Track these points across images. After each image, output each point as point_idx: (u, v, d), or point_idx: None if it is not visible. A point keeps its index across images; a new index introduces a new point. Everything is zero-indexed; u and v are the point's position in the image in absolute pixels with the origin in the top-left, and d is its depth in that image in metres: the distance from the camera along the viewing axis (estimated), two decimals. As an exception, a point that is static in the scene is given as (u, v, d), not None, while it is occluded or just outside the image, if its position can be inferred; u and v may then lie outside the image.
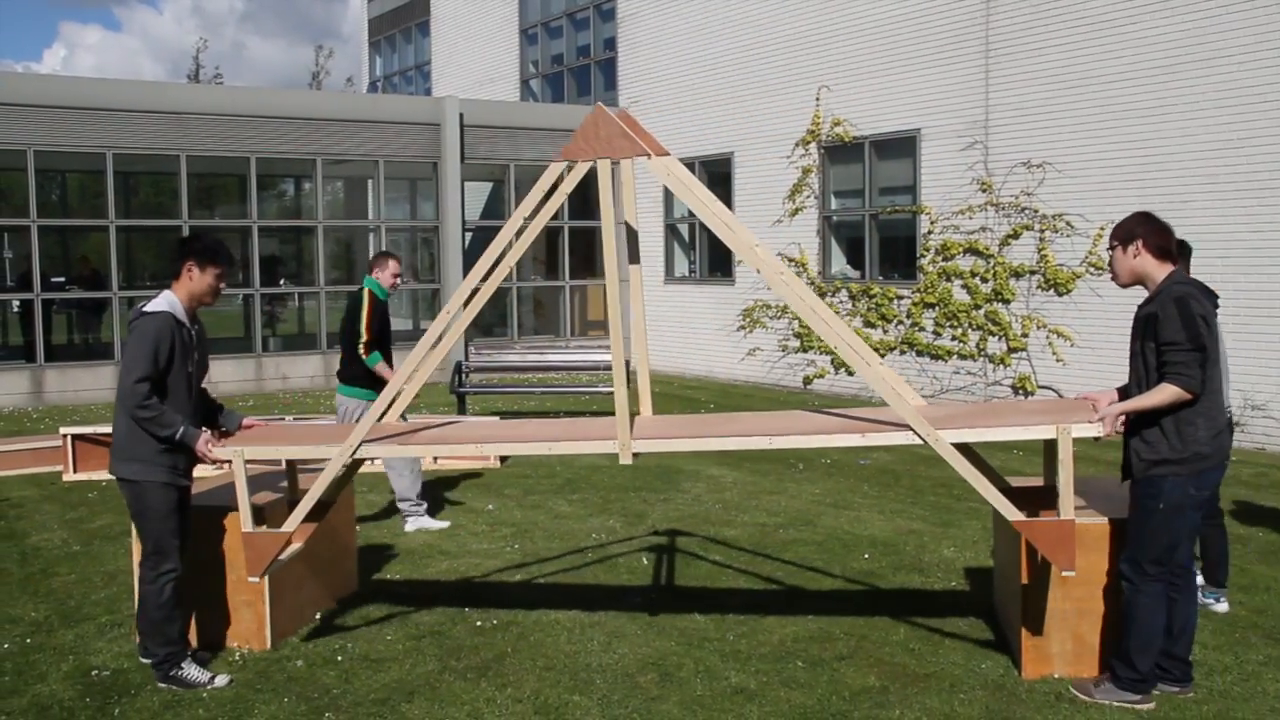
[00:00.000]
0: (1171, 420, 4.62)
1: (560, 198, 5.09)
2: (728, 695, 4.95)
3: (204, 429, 5.23)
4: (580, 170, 4.97)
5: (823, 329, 5.12)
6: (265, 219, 19.03)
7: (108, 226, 15.81)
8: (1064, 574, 4.82)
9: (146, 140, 15.79)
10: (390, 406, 5.29)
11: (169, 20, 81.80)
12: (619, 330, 5.11)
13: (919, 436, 4.79)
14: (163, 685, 5.10)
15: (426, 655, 5.47)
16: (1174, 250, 4.81)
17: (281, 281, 20.08)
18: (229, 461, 5.21)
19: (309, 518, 5.44)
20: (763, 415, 5.89)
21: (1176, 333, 4.57)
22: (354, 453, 5.22)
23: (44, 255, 15.62)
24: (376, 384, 7.36)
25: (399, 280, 7.89)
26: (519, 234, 5.18)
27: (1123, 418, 4.73)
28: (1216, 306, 4.85)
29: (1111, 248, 4.91)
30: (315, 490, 5.32)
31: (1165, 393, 4.59)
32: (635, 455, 5.07)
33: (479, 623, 5.92)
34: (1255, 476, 9.67)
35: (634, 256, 5.74)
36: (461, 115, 17.93)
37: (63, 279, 18.04)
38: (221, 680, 5.14)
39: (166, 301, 5.12)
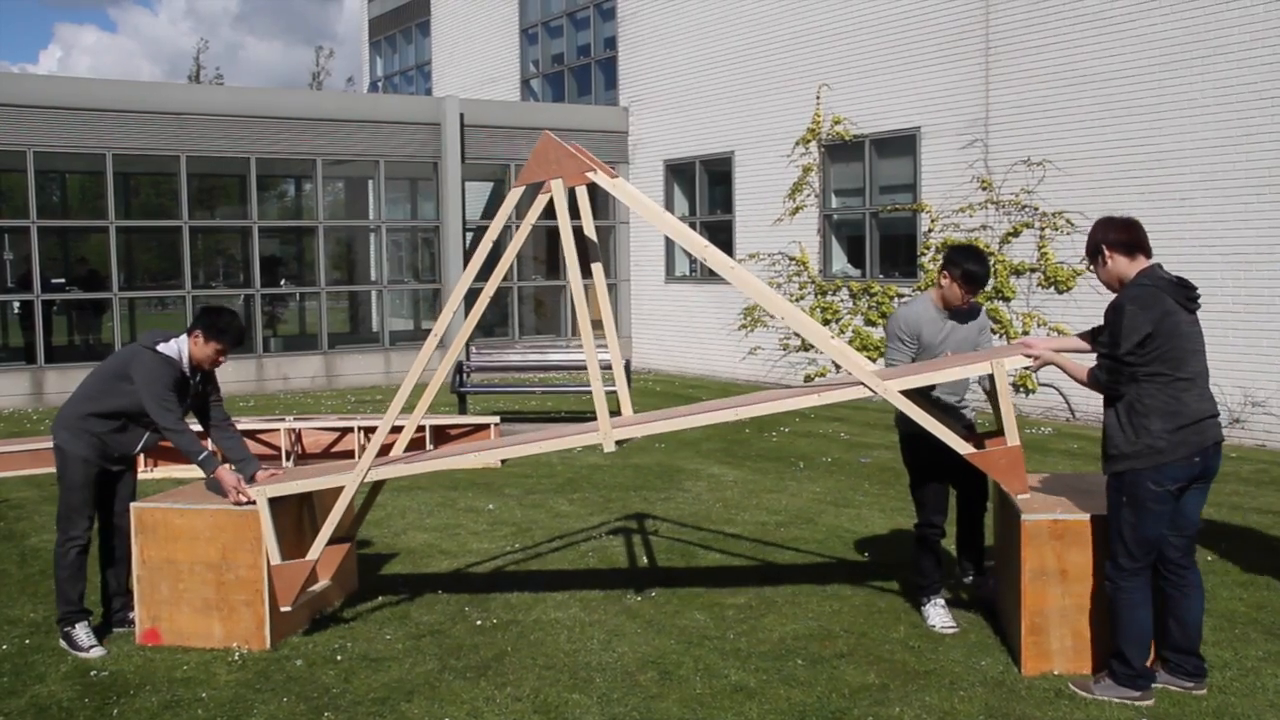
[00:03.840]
0: (1127, 415, 4.76)
1: (528, 225, 5.49)
2: (727, 693, 4.95)
3: (226, 465, 5.66)
4: (544, 197, 5.47)
5: (782, 310, 5.45)
6: (265, 219, 19.03)
7: (108, 227, 15.83)
8: (1018, 497, 5.16)
9: (146, 141, 15.80)
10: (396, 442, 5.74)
11: (164, 22, 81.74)
12: (589, 331, 5.54)
13: (870, 390, 5.20)
14: (61, 643, 5.56)
15: (426, 654, 5.47)
16: (1140, 242, 4.88)
17: (282, 282, 20.08)
18: (253, 502, 5.54)
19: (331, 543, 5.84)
20: (729, 398, 6.24)
21: (1107, 336, 4.80)
22: (364, 478, 5.64)
23: (44, 256, 15.63)
24: None
25: None
26: (494, 258, 5.76)
27: (1049, 352, 5.13)
28: (1194, 300, 4.81)
29: (1090, 267, 5.08)
30: (334, 517, 5.65)
31: (1089, 371, 4.90)
32: (618, 442, 5.44)
33: (479, 622, 5.92)
34: (1256, 473, 9.66)
35: (595, 257, 5.94)
36: (462, 115, 17.93)
37: (62, 280, 18.05)
38: (97, 651, 5.48)
39: (177, 349, 5.62)
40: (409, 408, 6.65)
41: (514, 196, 5.55)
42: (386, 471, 5.74)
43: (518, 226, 5.62)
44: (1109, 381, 4.75)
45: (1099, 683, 4.85)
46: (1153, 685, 4.81)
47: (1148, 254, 4.87)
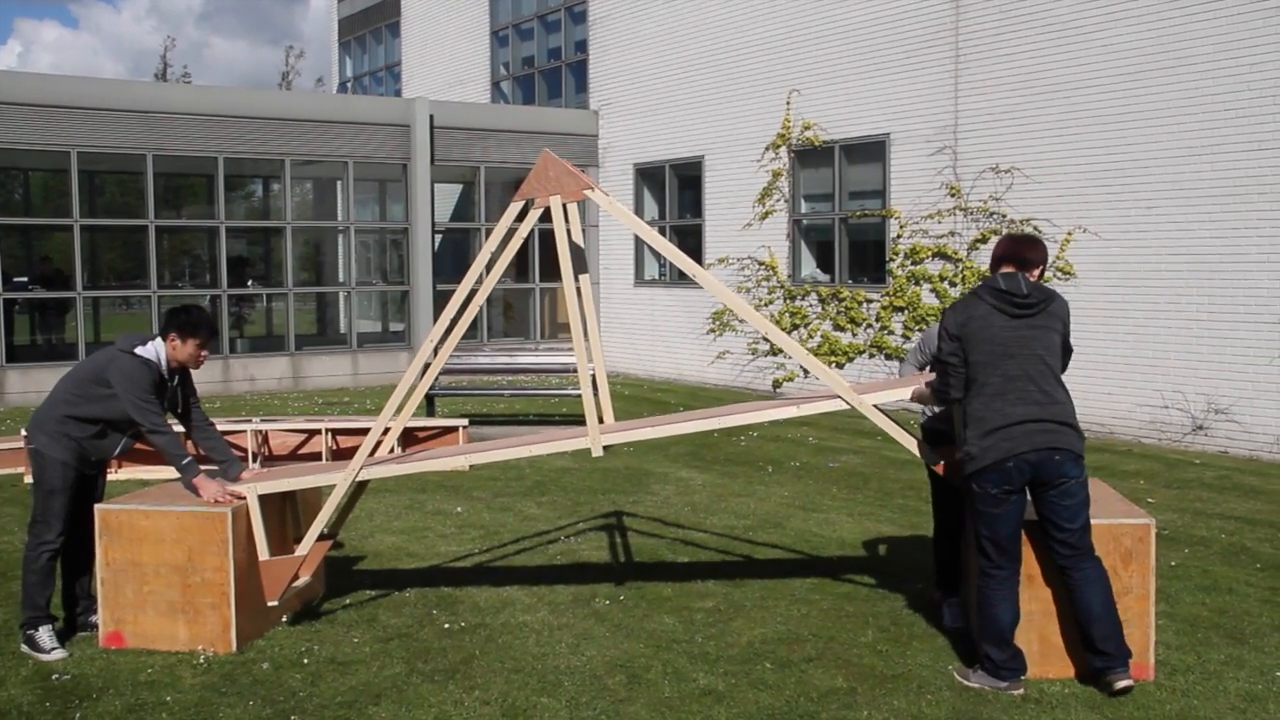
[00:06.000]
0: (962, 424, 5.04)
1: (521, 236, 5.66)
2: (696, 697, 4.95)
3: (202, 472, 5.66)
4: (537, 211, 5.66)
5: (763, 325, 5.69)
6: (233, 220, 18.89)
7: (72, 226, 15.64)
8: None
9: (112, 139, 15.63)
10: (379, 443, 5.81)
11: (127, 19, 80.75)
12: (581, 338, 5.71)
13: (846, 402, 5.46)
14: (23, 648, 5.51)
15: (394, 658, 5.44)
16: (1009, 255, 5.15)
17: (249, 283, 19.93)
18: (244, 498, 5.60)
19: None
20: (713, 409, 6.42)
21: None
22: (356, 477, 5.69)
23: (6, 255, 15.43)
24: None
25: None
26: (489, 267, 5.91)
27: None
28: (1019, 305, 4.90)
29: None
30: (324, 514, 5.72)
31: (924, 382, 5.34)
32: (606, 447, 5.58)
33: (446, 625, 5.90)
34: (1218, 479, 9.77)
35: (583, 268, 6.09)
36: (432, 117, 17.86)
37: (25, 279, 17.82)
38: (59, 654, 5.43)
39: (155, 352, 5.60)
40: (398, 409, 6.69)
41: (513, 210, 5.70)
42: (378, 471, 5.78)
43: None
44: (938, 385, 5.04)
45: (976, 671, 5.07)
46: (1022, 677, 4.97)
47: (1018, 266, 5.09)
